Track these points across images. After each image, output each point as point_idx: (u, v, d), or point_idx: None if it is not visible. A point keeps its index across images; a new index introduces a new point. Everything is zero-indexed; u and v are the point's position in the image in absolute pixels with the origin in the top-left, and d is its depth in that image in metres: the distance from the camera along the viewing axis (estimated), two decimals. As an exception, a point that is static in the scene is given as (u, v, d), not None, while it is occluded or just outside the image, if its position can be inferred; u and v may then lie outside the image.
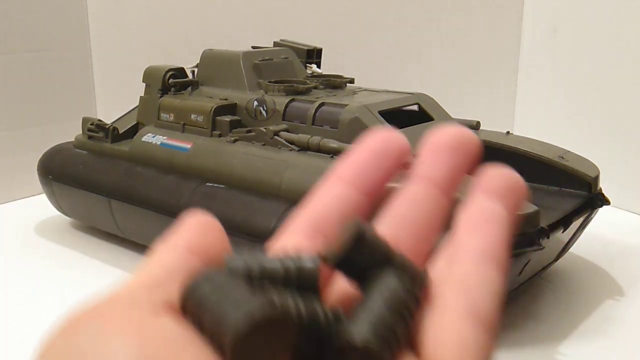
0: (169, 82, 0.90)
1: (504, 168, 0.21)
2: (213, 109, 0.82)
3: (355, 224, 0.18)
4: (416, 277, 0.19)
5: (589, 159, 0.80)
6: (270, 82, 0.85)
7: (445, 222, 0.21)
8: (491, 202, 0.20)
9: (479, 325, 0.18)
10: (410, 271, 0.19)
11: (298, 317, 0.17)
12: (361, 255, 0.18)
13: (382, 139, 0.21)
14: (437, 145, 0.21)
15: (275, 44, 0.98)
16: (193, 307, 0.16)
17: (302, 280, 0.18)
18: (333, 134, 0.74)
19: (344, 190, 0.21)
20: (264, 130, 0.77)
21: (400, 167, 0.21)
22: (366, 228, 0.19)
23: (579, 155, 0.80)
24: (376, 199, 0.21)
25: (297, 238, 0.20)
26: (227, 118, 0.82)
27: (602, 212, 0.77)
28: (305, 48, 0.97)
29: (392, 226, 0.21)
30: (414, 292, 0.18)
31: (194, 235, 0.18)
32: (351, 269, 0.19)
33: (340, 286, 0.20)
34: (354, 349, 0.17)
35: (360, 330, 0.17)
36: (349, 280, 0.19)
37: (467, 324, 0.17)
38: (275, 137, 0.76)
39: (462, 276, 0.18)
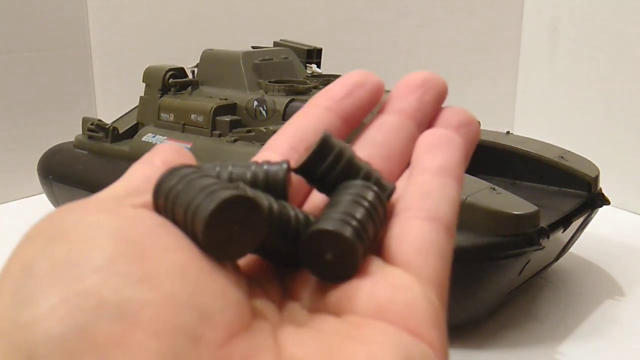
0: (169, 82, 0.90)
1: (458, 108, 0.23)
2: (213, 108, 0.82)
3: (323, 133, 0.19)
4: (383, 187, 0.19)
5: (589, 158, 0.80)
6: (270, 82, 0.85)
7: None
8: (446, 130, 0.21)
9: (439, 225, 0.18)
10: (377, 181, 0.19)
11: (269, 208, 0.17)
12: (325, 162, 0.19)
13: (359, 74, 0.22)
14: (408, 83, 0.23)
15: (275, 44, 0.98)
16: (163, 199, 0.16)
17: (269, 184, 0.18)
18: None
19: (321, 113, 0.22)
20: (264, 130, 0.77)
21: (375, 100, 0.22)
22: (331, 136, 0.19)
23: (579, 155, 0.80)
24: (353, 125, 0.22)
25: (273, 156, 0.21)
26: (227, 118, 0.82)
27: (602, 212, 0.77)
28: (306, 48, 0.97)
29: (365, 149, 0.22)
30: (381, 198, 0.19)
31: (168, 154, 0.19)
32: (319, 179, 0.19)
33: (315, 198, 0.21)
34: (325, 234, 0.17)
35: (331, 220, 0.17)
36: (318, 189, 0.19)
37: (426, 223, 0.18)
38: (275, 137, 0.76)
39: (421, 184, 0.19)
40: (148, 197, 0.17)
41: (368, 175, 0.19)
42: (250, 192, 0.17)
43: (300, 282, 0.18)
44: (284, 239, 0.17)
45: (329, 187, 0.19)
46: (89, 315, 0.13)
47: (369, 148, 0.22)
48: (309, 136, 0.21)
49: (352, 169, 0.19)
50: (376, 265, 0.18)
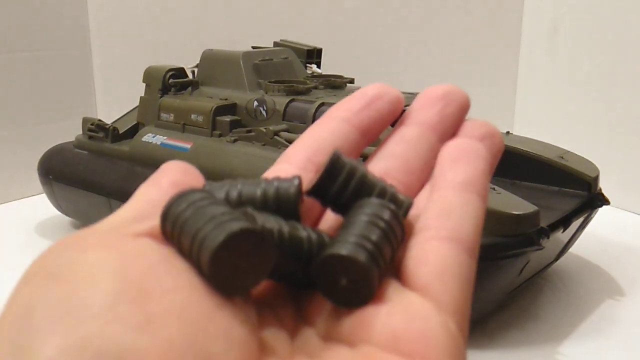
0: (169, 82, 0.90)
1: (481, 120, 0.21)
2: (213, 109, 0.82)
3: (332, 153, 0.18)
4: (399, 203, 0.19)
5: (588, 159, 0.80)
6: (270, 82, 0.85)
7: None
8: (471, 140, 0.20)
9: (460, 246, 0.17)
10: (392, 197, 0.19)
11: (279, 234, 0.16)
12: (337, 182, 0.18)
13: (377, 87, 0.22)
14: (429, 96, 0.22)
15: (275, 44, 0.98)
16: (171, 225, 0.16)
17: (280, 202, 0.17)
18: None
19: (338, 125, 0.21)
20: (264, 130, 0.77)
21: (394, 113, 0.22)
22: (341, 155, 0.18)
23: (578, 155, 0.80)
24: (371, 138, 0.21)
25: (289, 169, 0.20)
26: (227, 118, 0.82)
27: (602, 212, 0.77)
28: (306, 48, 0.97)
29: (384, 161, 0.21)
30: (398, 216, 0.18)
31: (176, 174, 0.18)
32: (332, 199, 0.18)
33: (330, 217, 0.20)
34: (339, 259, 0.16)
35: (345, 244, 0.16)
36: (333, 210, 0.19)
37: (447, 244, 0.17)
38: (276, 137, 0.76)
39: (444, 201, 0.18)
40: (154, 222, 0.16)
41: (383, 192, 0.19)
42: (259, 217, 0.16)
43: (315, 306, 0.17)
44: (296, 262, 0.17)
45: (343, 207, 0.18)
46: None
47: (387, 161, 0.21)
48: (325, 147, 0.20)
49: (365, 187, 0.18)
50: (393, 289, 0.17)
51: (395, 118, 0.22)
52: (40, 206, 1.00)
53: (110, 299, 0.14)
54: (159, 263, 0.15)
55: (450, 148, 0.20)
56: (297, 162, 0.20)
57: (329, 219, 0.20)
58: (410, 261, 0.17)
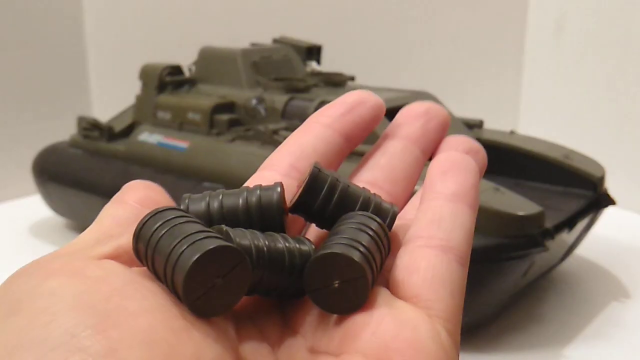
0: (166, 80, 0.89)
1: (463, 136, 0.22)
2: (211, 107, 0.81)
3: (312, 167, 0.18)
4: (384, 210, 0.19)
5: (594, 158, 0.79)
6: (269, 79, 0.84)
7: (421, 174, 0.22)
8: (461, 154, 0.21)
9: (451, 255, 0.18)
10: (377, 205, 0.19)
11: (256, 249, 0.16)
12: (319, 196, 0.18)
13: (358, 93, 0.22)
14: (411, 112, 0.23)
15: (275, 41, 0.97)
16: (144, 245, 0.15)
17: (263, 210, 0.17)
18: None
19: (321, 130, 0.21)
20: (263, 128, 0.76)
21: (376, 119, 0.22)
22: (321, 168, 0.18)
23: (584, 155, 0.80)
24: (354, 143, 0.22)
25: (272, 175, 0.20)
26: (225, 116, 0.81)
27: (607, 213, 0.76)
28: (305, 45, 0.96)
29: (369, 172, 0.21)
30: (384, 227, 0.18)
31: (141, 192, 0.18)
32: (316, 214, 0.18)
33: (313, 230, 0.20)
34: (332, 258, 0.16)
35: (338, 245, 0.16)
36: (318, 225, 0.19)
37: (438, 253, 0.17)
38: (274, 135, 0.75)
39: (434, 211, 0.19)
40: (119, 241, 0.16)
41: (367, 201, 0.19)
42: (234, 233, 0.16)
43: (302, 315, 0.17)
44: (279, 275, 0.16)
45: (327, 221, 0.18)
46: None
47: (373, 171, 0.21)
48: (308, 153, 0.21)
49: (348, 198, 0.18)
50: (383, 298, 0.17)
51: (377, 123, 0.22)
52: (34, 207, 0.99)
53: (72, 329, 0.13)
54: (124, 286, 0.14)
55: (441, 160, 0.20)
56: (280, 168, 0.20)
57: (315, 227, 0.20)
58: (401, 270, 0.17)
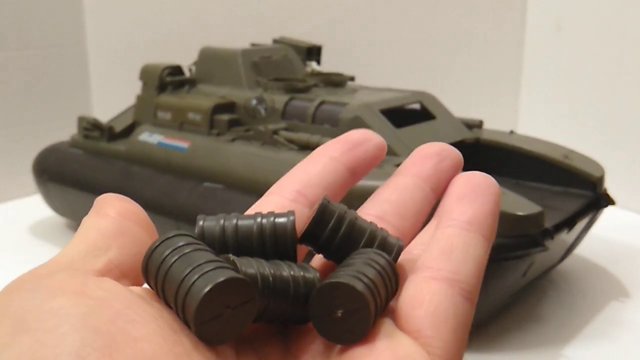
0: (166, 80, 0.89)
1: (478, 172, 0.22)
2: (211, 107, 0.81)
3: (322, 199, 0.18)
4: (390, 245, 0.19)
5: (593, 158, 0.79)
6: (269, 80, 0.84)
7: (432, 212, 0.21)
8: (483, 175, 0.20)
9: (457, 289, 0.17)
10: (382, 240, 0.19)
11: (262, 277, 0.16)
12: (327, 228, 0.18)
13: (362, 132, 0.22)
14: (423, 152, 0.22)
15: (275, 41, 0.97)
16: (154, 269, 0.16)
17: (277, 237, 0.18)
18: (333, 132, 0.73)
19: (328, 162, 0.21)
20: (263, 129, 0.76)
21: (379, 156, 0.22)
22: (330, 201, 0.19)
23: (583, 155, 0.80)
24: (358, 177, 0.22)
25: (280, 200, 0.20)
26: (226, 117, 0.81)
27: (607, 213, 0.76)
28: (305, 46, 0.96)
29: (379, 206, 0.21)
30: (392, 264, 0.18)
31: (118, 204, 0.18)
32: (323, 245, 0.19)
33: (318, 258, 0.20)
34: (337, 287, 0.16)
35: (343, 275, 0.17)
36: (325, 257, 0.19)
37: (445, 286, 0.17)
38: (274, 136, 0.75)
39: (446, 241, 0.18)
40: (110, 255, 0.16)
41: (373, 235, 0.19)
42: (241, 263, 0.16)
43: (304, 343, 0.17)
44: (284, 303, 0.17)
45: (335, 252, 0.19)
46: None
47: (382, 205, 0.21)
48: (315, 182, 0.21)
49: (355, 231, 0.19)
50: (386, 330, 0.17)
51: (380, 161, 0.22)
52: (35, 206, 0.99)
53: (79, 351, 0.13)
54: (126, 309, 0.15)
55: (461, 184, 0.20)
56: (287, 193, 0.21)
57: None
58: (406, 301, 0.17)
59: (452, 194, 0.20)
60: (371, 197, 0.22)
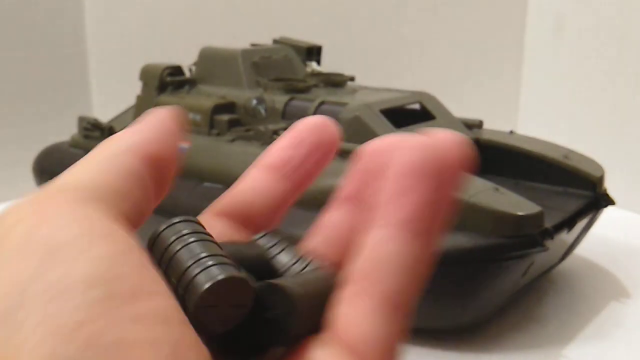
0: (167, 80, 0.89)
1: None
2: (211, 107, 0.81)
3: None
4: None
5: (593, 158, 0.79)
6: (269, 80, 0.84)
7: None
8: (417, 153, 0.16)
9: (385, 311, 0.16)
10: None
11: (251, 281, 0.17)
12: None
13: (309, 123, 0.21)
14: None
15: (275, 41, 0.97)
16: (159, 251, 0.16)
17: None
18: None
19: (257, 174, 0.21)
20: (263, 129, 0.76)
21: (330, 150, 0.20)
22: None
23: (583, 155, 0.80)
24: (300, 182, 0.21)
25: (205, 217, 0.20)
26: (226, 117, 0.81)
27: (607, 213, 0.76)
28: (305, 46, 0.96)
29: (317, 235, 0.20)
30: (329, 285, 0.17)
31: (154, 145, 0.18)
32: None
33: None
34: (281, 290, 0.16)
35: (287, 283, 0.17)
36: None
37: (369, 313, 0.16)
38: (274, 136, 0.75)
39: (373, 247, 0.16)
40: (124, 207, 0.16)
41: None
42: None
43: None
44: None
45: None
46: (77, 353, 0.13)
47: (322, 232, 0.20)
48: (240, 198, 0.20)
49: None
50: (316, 346, 0.16)
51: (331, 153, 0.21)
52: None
53: (107, 293, 0.14)
54: (142, 267, 0.15)
55: (396, 172, 0.16)
56: (212, 210, 0.20)
57: None
58: (336, 318, 0.16)
59: (387, 186, 0.16)
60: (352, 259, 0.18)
